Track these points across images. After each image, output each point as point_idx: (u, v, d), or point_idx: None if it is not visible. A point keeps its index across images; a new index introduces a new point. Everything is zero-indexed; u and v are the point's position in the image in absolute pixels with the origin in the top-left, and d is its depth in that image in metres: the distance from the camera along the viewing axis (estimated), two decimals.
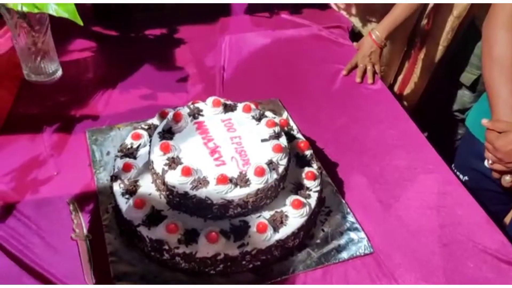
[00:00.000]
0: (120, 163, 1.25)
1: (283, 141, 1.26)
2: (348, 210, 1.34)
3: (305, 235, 1.24)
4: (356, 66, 1.89)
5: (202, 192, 1.11)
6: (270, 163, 1.18)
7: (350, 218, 1.32)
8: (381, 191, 1.43)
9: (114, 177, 1.23)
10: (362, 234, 1.28)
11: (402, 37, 2.21)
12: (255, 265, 1.17)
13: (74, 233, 1.20)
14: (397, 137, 1.62)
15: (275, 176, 1.17)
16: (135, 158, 1.30)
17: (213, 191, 1.11)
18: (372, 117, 1.70)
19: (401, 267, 1.23)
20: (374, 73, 1.87)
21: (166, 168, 1.15)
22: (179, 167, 1.14)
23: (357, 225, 1.30)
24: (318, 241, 1.25)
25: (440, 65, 2.17)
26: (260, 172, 1.14)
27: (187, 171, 1.12)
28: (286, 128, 1.41)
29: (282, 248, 1.18)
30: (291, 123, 1.48)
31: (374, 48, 1.89)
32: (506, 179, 1.45)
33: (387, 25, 1.88)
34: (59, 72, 1.65)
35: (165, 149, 1.18)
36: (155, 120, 1.39)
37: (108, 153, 1.40)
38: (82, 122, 1.51)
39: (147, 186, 1.23)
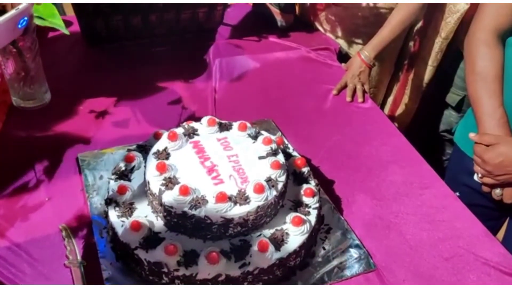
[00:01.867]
0: (114, 185, 1.22)
1: (280, 157, 1.25)
2: (348, 227, 1.32)
3: (306, 254, 1.21)
4: (345, 86, 1.91)
5: (201, 211, 1.09)
6: (269, 180, 1.17)
7: (350, 235, 1.29)
8: (379, 207, 1.42)
9: (109, 200, 1.20)
10: (363, 251, 1.26)
11: (390, 58, 2.25)
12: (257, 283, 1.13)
13: (67, 260, 1.16)
14: (391, 153, 1.63)
15: (274, 193, 1.15)
16: (129, 180, 1.27)
17: (213, 209, 1.09)
18: (364, 134, 1.70)
19: (405, 283, 1.21)
20: (364, 92, 1.89)
21: (163, 188, 1.13)
22: (177, 187, 1.11)
23: (357, 242, 1.28)
24: (320, 259, 1.22)
25: (430, 85, 2.20)
26: (259, 189, 1.12)
27: (185, 191, 1.10)
28: (282, 146, 1.40)
29: (284, 268, 1.15)
30: (286, 141, 1.47)
31: (363, 68, 1.91)
32: (497, 192, 1.46)
33: (375, 45, 1.92)
34: (48, 97, 1.63)
35: (161, 169, 1.15)
36: (149, 142, 1.37)
37: (101, 177, 1.37)
38: (73, 147, 1.48)
39: (143, 208, 1.19)
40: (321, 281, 1.17)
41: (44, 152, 1.45)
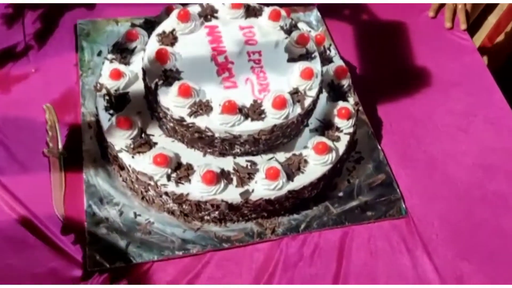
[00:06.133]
0: (108, 68, 1.00)
1: (315, 64, 0.97)
2: (383, 159, 1.08)
3: (326, 185, 1.00)
4: None
5: (202, 121, 0.86)
6: (295, 92, 0.91)
7: (385, 169, 1.07)
8: (428, 139, 1.16)
9: (99, 86, 0.99)
10: (396, 192, 1.04)
11: None
12: (259, 215, 0.95)
13: (47, 148, 0.99)
14: (458, 73, 1.31)
15: (298, 110, 0.90)
16: (127, 63, 1.03)
17: (216, 121, 0.86)
18: (431, 44, 1.36)
19: (438, 239, 1.00)
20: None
21: (160, 82, 0.89)
22: (176, 84, 0.87)
23: (391, 179, 1.05)
24: (341, 194, 1.02)
25: None
26: (280, 104, 0.87)
27: (185, 91, 0.86)
28: (322, 47, 1.11)
29: (296, 199, 0.95)
30: (330, 40, 1.16)
31: None
32: None
33: None
34: None
35: (162, 58, 0.91)
36: (159, 18, 1.10)
37: (99, 53, 1.15)
38: (73, 10, 1.23)
39: (138, 102, 0.98)
40: (338, 221, 0.98)
41: (39, 11, 1.21)
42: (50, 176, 0.96)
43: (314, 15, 1.32)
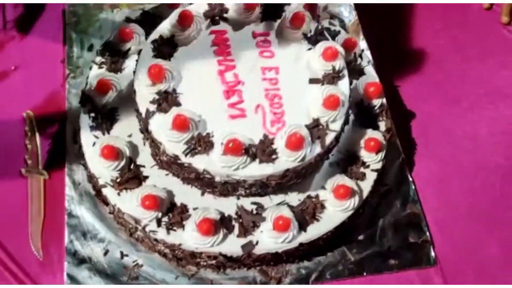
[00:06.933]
0: (95, 75, 0.84)
1: (343, 87, 0.80)
2: (414, 194, 0.92)
3: (343, 227, 0.86)
4: None
5: (200, 161, 0.72)
6: (315, 125, 0.75)
7: (414, 208, 0.91)
8: (472, 169, 0.98)
9: (85, 98, 0.83)
10: (426, 235, 0.89)
11: None
12: (263, 263, 0.82)
13: (26, 166, 0.86)
14: (509, 80, 1.10)
15: (318, 149, 0.74)
16: (119, 70, 0.87)
17: (218, 162, 0.71)
18: (481, 44, 1.15)
19: None
20: None
21: (152, 108, 0.74)
22: (172, 112, 0.72)
23: (421, 220, 0.90)
24: (361, 237, 0.88)
25: None
26: (295, 144, 0.71)
27: (181, 124, 0.71)
28: (352, 53, 0.92)
29: (306, 249, 0.81)
30: (363, 44, 0.96)
31: None
32: None
33: None
34: None
35: (156, 77, 0.75)
36: (159, 11, 0.93)
37: (91, 48, 0.99)
38: None
39: (128, 121, 0.83)
40: (355, 270, 0.85)
41: None
42: (28, 202, 0.84)
43: (347, 8, 1.10)
